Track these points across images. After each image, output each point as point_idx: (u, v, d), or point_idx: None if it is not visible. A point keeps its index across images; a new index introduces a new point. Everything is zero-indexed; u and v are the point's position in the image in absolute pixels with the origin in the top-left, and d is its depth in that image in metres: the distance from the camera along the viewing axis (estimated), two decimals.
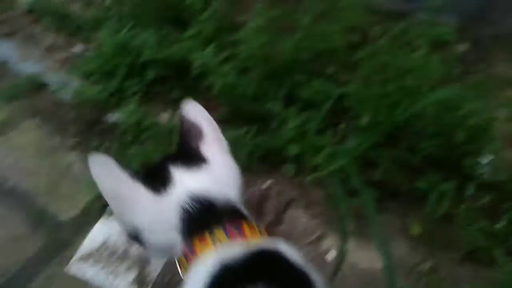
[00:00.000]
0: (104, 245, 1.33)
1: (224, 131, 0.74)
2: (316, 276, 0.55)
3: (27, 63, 2.00)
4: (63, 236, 1.35)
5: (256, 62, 1.51)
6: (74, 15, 2.19)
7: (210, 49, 1.50)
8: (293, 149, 1.38)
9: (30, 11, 2.25)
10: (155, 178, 0.61)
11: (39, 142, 1.63)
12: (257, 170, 1.46)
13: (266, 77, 1.51)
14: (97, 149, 1.57)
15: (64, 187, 1.47)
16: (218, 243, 0.56)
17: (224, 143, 0.69)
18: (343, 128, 1.44)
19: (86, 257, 1.30)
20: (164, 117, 1.66)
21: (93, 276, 1.27)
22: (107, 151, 1.56)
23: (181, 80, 1.69)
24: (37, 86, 1.86)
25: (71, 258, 1.29)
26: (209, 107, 1.58)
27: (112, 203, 0.62)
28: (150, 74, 1.65)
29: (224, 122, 1.53)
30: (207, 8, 1.77)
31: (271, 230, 1.35)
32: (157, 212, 0.60)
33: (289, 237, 1.33)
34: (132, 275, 1.27)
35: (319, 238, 1.34)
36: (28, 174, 1.51)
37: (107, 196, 0.61)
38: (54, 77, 1.89)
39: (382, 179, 1.33)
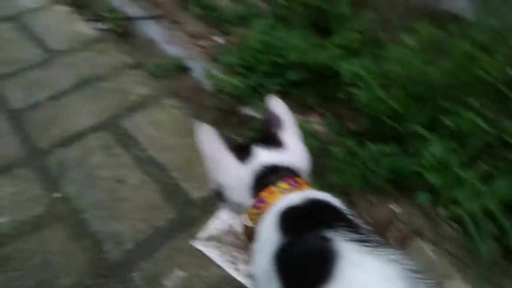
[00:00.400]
0: (229, 231, 1.38)
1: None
2: (359, 222, 0.70)
3: (173, 45, 2.15)
4: (192, 213, 1.42)
5: (404, 81, 1.48)
6: (219, 8, 2.31)
7: (361, 61, 1.50)
8: (432, 178, 1.32)
9: None
10: (242, 152, 0.80)
11: (178, 122, 1.74)
12: (386, 190, 1.42)
13: (411, 97, 1.47)
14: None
15: (198, 168, 1.55)
16: (282, 191, 0.75)
17: (298, 133, 0.87)
18: (490, 165, 1.35)
19: (211, 238, 1.37)
20: (297, 119, 1.68)
21: (215, 257, 1.33)
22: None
23: (319, 87, 1.70)
24: (180, 69, 1.99)
25: (197, 235, 1.36)
26: (346, 117, 1.57)
27: (208, 164, 0.82)
28: (293, 76, 1.69)
29: (361, 135, 1.52)
30: (353, 19, 1.79)
31: None
32: (238, 176, 0.79)
33: None
34: (249, 267, 1.30)
35: (444, 278, 1.27)
36: (166, 149, 1.62)
37: (206, 157, 0.81)
38: (197, 63, 2.01)
39: None
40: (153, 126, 1.72)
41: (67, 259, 1.29)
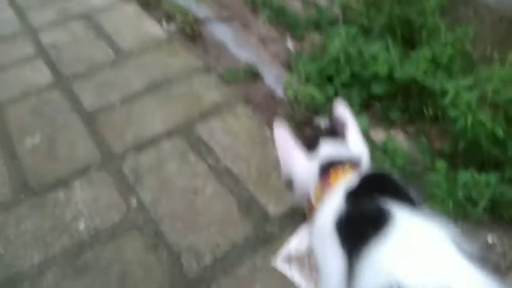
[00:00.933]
0: (310, 251, 1.31)
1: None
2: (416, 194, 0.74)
3: (243, 49, 2.09)
4: (270, 229, 1.36)
5: (504, 103, 1.36)
6: (291, 12, 2.23)
7: (459, 79, 1.38)
8: None
9: (252, 1, 2.36)
10: (310, 147, 0.89)
11: (252, 130, 1.68)
12: (482, 221, 1.31)
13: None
14: None
15: (274, 180, 1.49)
16: (344, 173, 0.81)
17: (359, 132, 0.94)
18: None
19: (292, 258, 1.30)
20: (378, 135, 1.59)
21: (296, 278, 1.26)
22: None
23: (404, 102, 1.60)
24: (252, 74, 1.93)
25: (276, 253, 1.30)
26: (434, 136, 1.44)
27: (281, 157, 0.93)
28: (377, 89, 1.59)
29: (452, 157, 1.41)
30: (442, 31, 1.67)
31: None
32: (306, 169, 0.88)
33: None
34: None
35: None
36: (240, 159, 1.57)
37: (279, 152, 0.92)
38: (269, 69, 1.95)
39: None
40: (227, 134, 1.67)
41: (145, 271, 1.26)
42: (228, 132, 1.68)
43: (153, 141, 1.64)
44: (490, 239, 1.31)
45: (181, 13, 2.27)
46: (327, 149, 0.90)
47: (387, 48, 1.67)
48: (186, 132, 1.67)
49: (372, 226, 0.66)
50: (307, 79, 1.78)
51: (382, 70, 1.56)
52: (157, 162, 1.56)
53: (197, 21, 2.25)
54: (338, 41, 1.72)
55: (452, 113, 1.36)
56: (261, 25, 2.24)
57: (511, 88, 1.34)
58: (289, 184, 0.94)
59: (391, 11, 1.79)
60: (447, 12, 1.83)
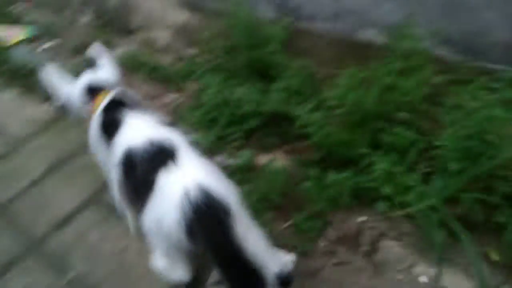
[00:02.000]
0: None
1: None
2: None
3: None
4: None
5: (345, 113, 1.80)
6: (164, 67, 2.52)
7: (307, 105, 1.80)
8: (385, 189, 1.64)
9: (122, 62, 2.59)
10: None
11: None
12: (351, 207, 1.72)
13: (355, 125, 1.79)
14: None
15: None
16: (103, 96, 1.49)
17: (111, 62, 1.64)
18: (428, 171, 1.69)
19: None
20: (263, 159, 1.93)
21: None
22: None
23: (275, 128, 1.98)
24: None
25: None
26: (305, 150, 1.88)
27: (52, 92, 1.59)
28: (252, 123, 1.95)
29: (322, 163, 1.81)
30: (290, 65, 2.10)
31: (367, 258, 1.61)
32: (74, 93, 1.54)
33: (384, 265, 1.58)
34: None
35: (411, 266, 1.58)
36: None
37: (50, 88, 1.60)
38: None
39: (462, 214, 1.58)
40: None
41: None
42: None
43: (70, 216, 1.78)
44: (361, 219, 1.73)
45: None
46: (88, 77, 1.55)
47: (250, 87, 2.04)
48: (98, 200, 1.84)
49: (115, 125, 1.35)
50: (195, 125, 2.08)
51: (251, 107, 1.92)
52: (80, 234, 1.71)
53: None
54: (212, 91, 2.05)
55: (309, 130, 1.77)
56: (143, 83, 2.49)
57: (352, 94, 1.77)
58: (61, 108, 1.60)
59: (247, 55, 2.18)
60: (291, 43, 2.27)
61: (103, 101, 1.45)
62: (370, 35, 2.12)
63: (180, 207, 1.10)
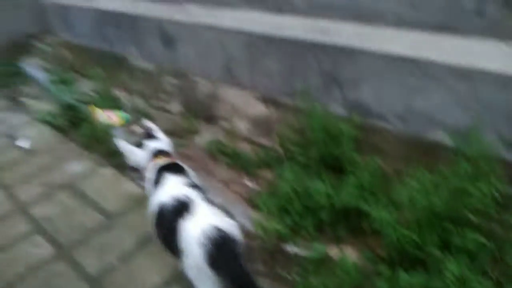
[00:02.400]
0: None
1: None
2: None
3: (210, 193, 2.55)
4: None
5: (415, 213, 1.88)
6: (244, 155, 2.78)
7: (378, 202, 1.91)
8: None
9: (210, 152, 2.90)
10: (139, 146, 2.27)
11: None
12: None
13: (424, 225, 1.86)
14: (281, 278, 1.97)
15: None
16: (161, 159, 2.10)
17: (162, 133, 2.36)
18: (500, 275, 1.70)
19: None
20: (333, 251, 2.04)
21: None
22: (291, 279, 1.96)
23: (347, 222, 2.10)
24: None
25: None
26: (375, 245, 1.97)
27: (126, 156, 2.28)
28: (324, 216, 2.08)
29: (388, 261, 1.88)
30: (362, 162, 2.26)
31: None
32: (141, 156, 2.22)
33: None
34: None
35: None
36: None
37: (125, 152, 2.31)
38: (235, 206, 2.40)
39: None
40: None
41: None
42: None
43: None
44: None
45: None
46: (153, 144, 2.18)
47: (323, 181, 2.20)
48: (180, 279, 2.02)
49: (159, 181, 1.94)
50: (269, 213, 2.25)
51: (324, 201, 2.07)
52: None
53: None
54: (286, 182, 2.24)
55: (379, 227, 1.87)
56: (222, 170, 2.75)
57: (421, 195, 1.87)
58: (132, 168, 2.35)
59: (320, 149, 2.37)
60: (361, 140, 2.44)
61: (158, 161, 2.07)
62: (439, 136, 2.24)
63: (200, 243, 1.53)
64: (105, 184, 2.78)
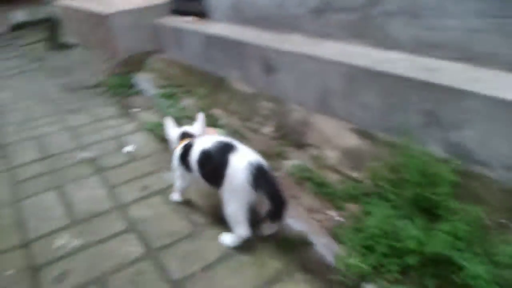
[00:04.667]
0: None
1: None
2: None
3: (294, 220, 2.56)
4: None
5: None
6: (331, 185, 2.76)
7: (474, 255, 1.77)
8: None
9: (291, 174, 2.93)
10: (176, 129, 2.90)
11: None
12: None
13: None
14: None
15: None
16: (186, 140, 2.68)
17: (203, 123, 2.87)
18: None
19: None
20: None
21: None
22: None
23: (435, 270, 1.97)
24: (305, 243, 2.37)
25: None
26: None
27: (166, 133, 2.95)
28: (411, 260, 1.98)
29: None
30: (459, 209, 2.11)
31: None
32: (174, 136, 2.86)
33: None
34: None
35: None
36: None
37: (166, 131, 2.95)
38: (318, 237, 2.38)
39: None
40: None
41: None
42: None
43: None
44: None
45: None
46: (183, 128, 2.77)
47: (414, 223, 2.10)
48: None
49: (186, 154, 2.54)
50: (352, 249, 2.19)
51: (413, 245, 1.97)
52: None
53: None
54: (374, 219, 2.18)
55: (472, 283, 1.73)
56: (307, 196, 2.76)
57: None
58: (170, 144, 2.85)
59: (413, 190, 2.27)
60: (460, 186, 2.29)
61: (184, 142, 2.64)
62: None
63: (247, 170, 2.13)
64: (196, 194, 2.93)
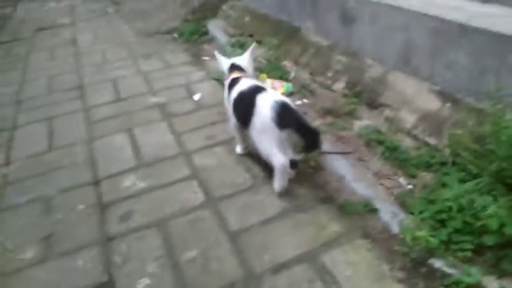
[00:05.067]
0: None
1: None
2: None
3: (359, 183, 2.43)
4: None
5: None
6: (404, 150, 2.55)
7: None
8: None
9: (367, 139, 2.75)
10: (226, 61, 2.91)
11: (371, 265, 1.94)
12: None
13: None
14: None
15: None
16: (236, 74, 2.71)
17: (252, 55, 2.86)
18: None
19: None
20: (491, 284, 1.74)
21: None
22: None
23: None
24: (368, 208, 2.23)
25: None
26: None
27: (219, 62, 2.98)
28: (489, 240, 1.79)
29: None
30: None
31: None
32: (225, 67, 2.87)
33: None
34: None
35: None
36: None
37: (218, 61, 2.96)
38: (384, 205, 2.24)
39: None
40: (348, 266, 1.95)
41: None
42: (349, 263, 1.96)
43: (285, 265, 1.97)
44: None
45: None
46: (232, 60, 2.78)
47: (496, 201, 1.88)
48: (312, 260, 1.99)
49: (233, 85, 2.61)
50: (421, 220, 2.03)
51: (493, 225, 1.76)
52: (289, 286, 1.88)
53: (319, 154, 2.66)
54: (450, 190, 1.98)
55: None
56: (376, 160, 2.58)
57: None
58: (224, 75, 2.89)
59: (499, 164, 2.01)
60: None
61: (233, 75, 2.67)
62: None
63: (271, 108, 2.21)
64: None
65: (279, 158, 2.27)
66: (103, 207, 2.48)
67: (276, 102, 2.22)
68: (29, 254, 2.21)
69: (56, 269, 2.11)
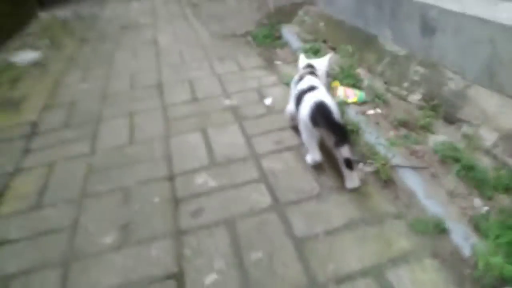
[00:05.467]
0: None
1: None
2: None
3: (431, 201, 2.36)
4: None
5: None
6: (481, 170, 2.44)
7: None
8: None
9: (441, 155, 2.65)
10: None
11: (436, 285, 1.90)
12: None
13: None
14: None
15: None
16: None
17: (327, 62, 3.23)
18: None
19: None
20: None
21: None
22: None
23: None
24: (439, 228, 2.17)
25: None
26: None
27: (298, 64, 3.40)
28: None
29: None
30: None
31: None
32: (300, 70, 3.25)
33: None
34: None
35: None
36: None
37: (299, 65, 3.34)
38: (456, 225, 2.16)
39: None
40: (414, 285, 1.91)
41: None
42: (415, 282, 1.92)
43: (349, 277, 1.98)
44: None
45: (378, 158, 2.67)
46: (311, 61, 3.17)
47: None
48: (377, 275, 1.98)
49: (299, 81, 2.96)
50: (496, 245, 1.94)
51: None
52: None
53: (391, 167, 2.62)
54: None
55: None
56: (450, 178, 2.49)
57: None
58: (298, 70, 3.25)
59: None
60: None
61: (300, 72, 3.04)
62: None
63: (310, 107, 2.54)
64: (328, 156, 2.89)
65: (313, 155, 2.74)
66: (176, 202, 2.64)
67: (315, 101, 2.52)
68: (108, 239, 2.41)
69: (132, 255, 2.28)
